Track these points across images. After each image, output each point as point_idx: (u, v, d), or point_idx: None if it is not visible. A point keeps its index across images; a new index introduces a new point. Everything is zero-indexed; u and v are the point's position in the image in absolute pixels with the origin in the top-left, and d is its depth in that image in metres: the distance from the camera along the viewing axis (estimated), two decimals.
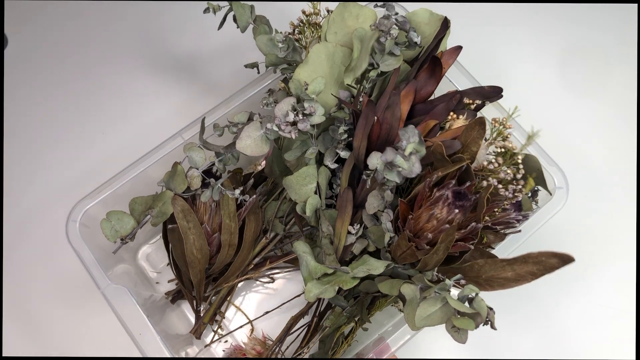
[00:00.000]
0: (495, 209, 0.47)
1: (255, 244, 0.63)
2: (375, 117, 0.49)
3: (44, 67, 0.79)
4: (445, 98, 0.54)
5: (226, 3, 0.54)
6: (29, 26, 0.81)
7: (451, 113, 0.53)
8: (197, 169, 0.53)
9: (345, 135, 0.53)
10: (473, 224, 0.42)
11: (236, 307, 0.67)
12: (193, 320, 0.64)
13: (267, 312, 0.65)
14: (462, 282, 0.47)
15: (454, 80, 0.61)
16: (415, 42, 0.53)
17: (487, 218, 0.49)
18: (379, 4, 0.55)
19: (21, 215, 0.72)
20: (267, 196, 0.65)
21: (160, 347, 0.52)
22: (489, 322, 0.42)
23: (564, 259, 0.44)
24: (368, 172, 0.48)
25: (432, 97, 0.57)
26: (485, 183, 0.46)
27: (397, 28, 0.50)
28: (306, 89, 0.50)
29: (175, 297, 0.66)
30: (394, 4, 0.55)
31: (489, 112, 0.57)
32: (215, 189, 0.53)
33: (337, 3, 0.55)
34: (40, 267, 0.69)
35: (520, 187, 0.46)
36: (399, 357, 0.56)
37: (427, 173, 0.47)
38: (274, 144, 0.56)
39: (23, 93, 0.78)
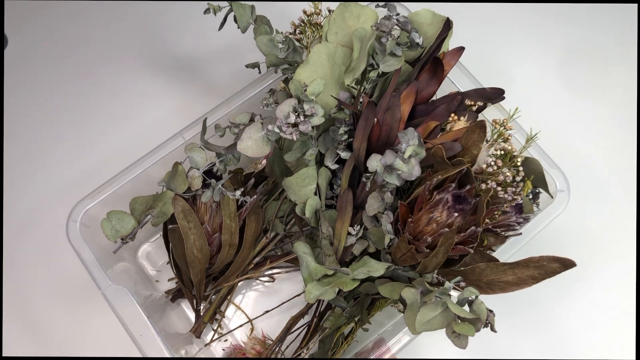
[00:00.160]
0: (496, 212, 0.47)
1: (255, 243, 0.63)
2: (375, 119, 0.49)
3: (44, 67, 0.79)
4: (446, 99, 0.54)
5: (226, 3, 0.54)
6: (29, 26, 0.81)
7: (452, 114, 0.53)
8: (198, 169, 0.53)
9: (346, 136, 0.53)
10: (473, 227, 0.42)
11: (236, 305, 0.67)
12: (193, 318, 0.64)
13: (267, 312, 0.65)
14: (462, 284, 0.47)
15: (455, 80, 0.61)
16: (417, 43, 0.52)
17: (487, 221, 0.49)
18: (380, 4, 0.55)
19: (21, 215, 0.72)
20: (267, 195, 0.65)
21: (161, 348, 0.52)
22: (489, 325, 0.42)
23: (566, 264, 0.44)
24: (368, 174, 0.47)
25: (433, 98, 0.57)
26: (484, 186, 0.46)
27: (398, 29, 0.50)
28: (305, 90, 0.50)
29: (175, 295, 0.66)
30: (395, 4, 0.55)
31: (490, 113, 0.57)
32: (216, 190, 0.53)
33: (337, 3, 0.55)
34: (40, 267, 0.69)
35: (519, 189, 0.46)
36: (398, 358, 0.56)
37: (427, 175, 0.47)
38: (274, 144, 0.56)
39: (23, 93, 0.78)
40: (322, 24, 0.58)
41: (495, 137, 0.50)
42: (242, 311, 0.67)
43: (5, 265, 0.69)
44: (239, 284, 0.67)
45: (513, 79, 0.80)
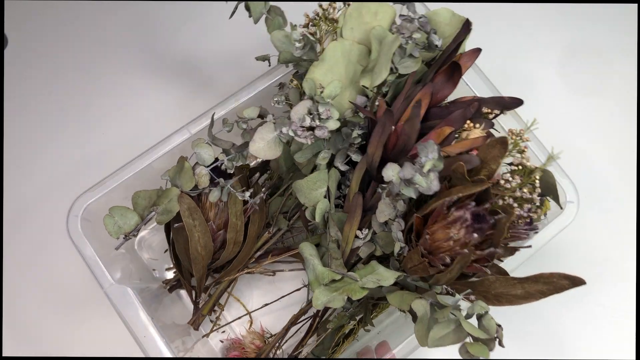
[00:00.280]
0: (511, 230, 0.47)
1: (258, 238, 0.62)
2: (393, 127, 0.47)
3: (44, 67, 0.78)
4: (462, 104, 0.53)
5: None
6: (29, 26, 0.79)
7: (467, 121, 0.52)
8: (206, 166, 0.52)
9: (359, 139, 0.52)
10: (491, 249, 0.41)
11: (235, 298, 0.67)
12: (191, 308, 0.63)
13: (266, 305, 0.64)
14: (472, 297, 0.47)
15: (468, 82, 0.59)
16: (436, 45, 0.51)
17: None
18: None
19: (21, 212, 0.71)
20: (271, 190, 0.63)
21: (163, 348, 0.52)
22: (497, 340, 0.42)
23: (575, 281, 0.44)
24: (383, 185, 0.46)
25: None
26: (501, 202, 0.46)
27: (420, 32, 0.48)
28: (321, 92, 0.48)
29: (173, 286, 0.65)
30: (415, 3, 0.52)
31: (503, 119, 0.56)
32: (224, 190, 0.52)
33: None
34: (40, 265, 0.69)
35: (536, 206, 0.45)
36: (398, 358, 0.56)
37: (443, 187, 0.46)
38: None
39: (23, 93, 0.77)
40: (337, 18, 0.56)
41: (510, 148, 0.50)
42: (242, 303, 0.67)
43: (6, 266, 0.69)
44: (239, 277, 0.67)
45: (513, 78, 0.79)
